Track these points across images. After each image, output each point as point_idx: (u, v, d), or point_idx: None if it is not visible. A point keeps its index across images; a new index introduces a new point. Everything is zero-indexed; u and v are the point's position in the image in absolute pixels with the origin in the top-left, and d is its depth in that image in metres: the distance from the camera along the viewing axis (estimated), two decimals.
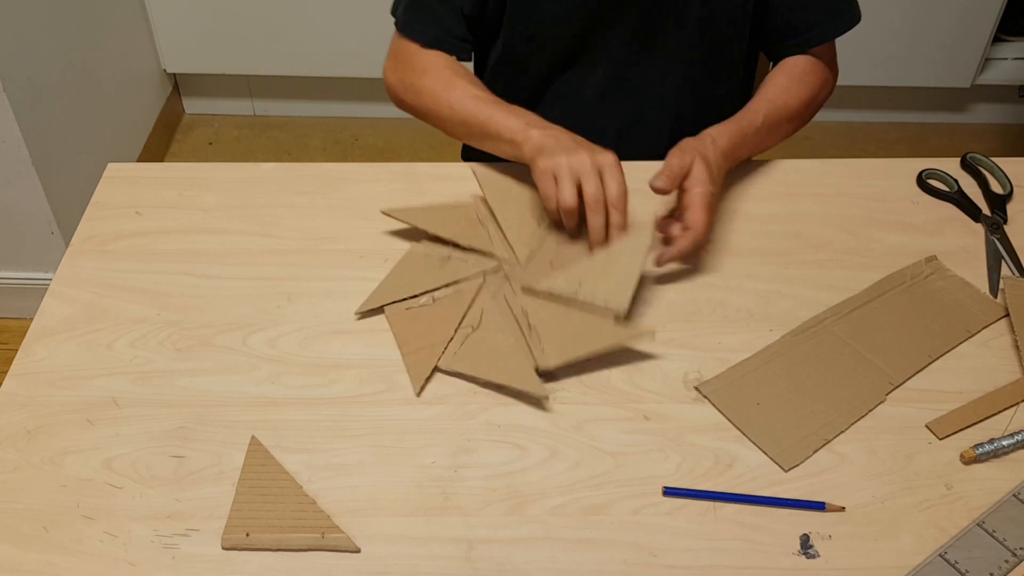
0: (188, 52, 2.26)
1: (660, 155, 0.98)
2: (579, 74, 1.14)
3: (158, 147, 2.30)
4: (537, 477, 0.78)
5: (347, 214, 1.03)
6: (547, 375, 0.85)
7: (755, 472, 0.78)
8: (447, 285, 0.92)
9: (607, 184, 0.90)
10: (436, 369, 0.85)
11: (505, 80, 1.18)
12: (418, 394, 0.83)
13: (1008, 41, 2.25)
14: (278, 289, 0.94)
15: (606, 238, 0.91)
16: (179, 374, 0.86)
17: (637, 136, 1.17)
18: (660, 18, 1.08)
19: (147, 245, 0.99)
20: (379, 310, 0.91)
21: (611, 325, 0.87)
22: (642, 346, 0.88)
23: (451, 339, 0.87)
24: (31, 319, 0.91)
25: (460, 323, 0.88)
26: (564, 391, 0.84)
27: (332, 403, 0.84)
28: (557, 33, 1.10)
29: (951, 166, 1.08)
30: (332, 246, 0.99)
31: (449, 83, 1.05)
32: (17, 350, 0.88)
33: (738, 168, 1.07)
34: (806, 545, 0.73)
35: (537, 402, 0.83)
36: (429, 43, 1.08)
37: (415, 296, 0.91)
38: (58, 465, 0.79)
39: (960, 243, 0.99)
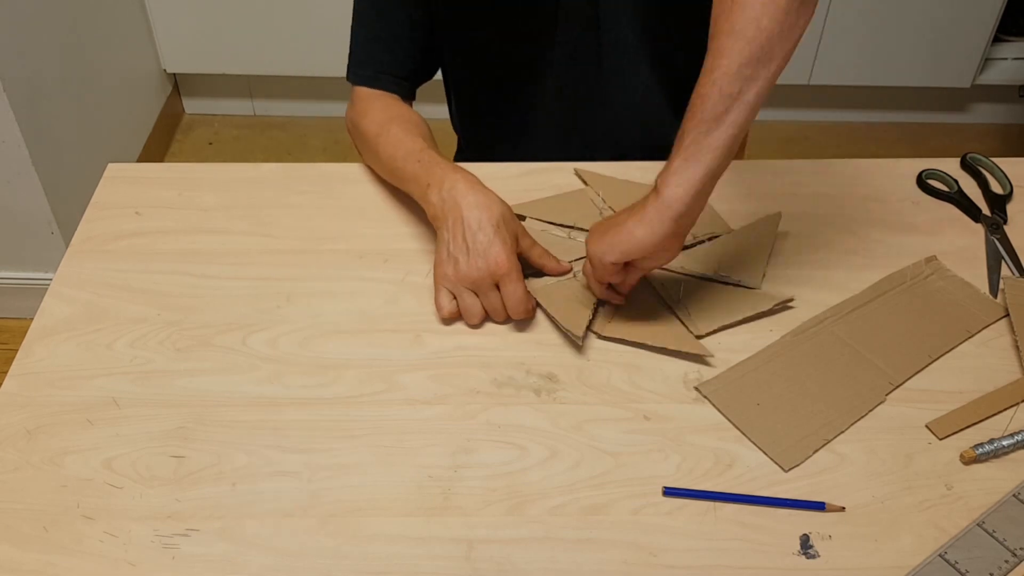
0: (188, 52, 2.26)
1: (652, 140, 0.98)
2: (531, 89, 1.12)
3: (158, 147, 2.30)
4: (537, 477, 0.78)
5: (347, 214, 1.03)
6: (550, 376, 0.85)
7: (755, 472, 0.78)
8: (582, 257, 0.92)
9: (507, 299, 0.86)
10: (591, 331, 0.89)
11: (468, 95, 1.17)
12: (581, 344, 0.87)
13: (1008, 41, 2.25)
14: (278, 289, 0.94)
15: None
16: (179, 374, 0.86)
17: (620, 140, 1.16)
18: (602, 20, 1.04)
19: (147, 245, 0.99)
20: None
21: (751, 293, 0.91)
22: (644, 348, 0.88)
23: (597, 304, 0.90)
24: (31, 319, 0.91)
25: (573, 261, 0.93)
26: (564, 391, 0.84)
27: (332, 403, 0.84)
28: (500, 50, 1.09)
29: (951, 166, 1.08)
30: (332, 246, 0.99)
31: (381, 127, 1.02)
32: (17, 350, 0.88)
33: (738, 168, 1.07)
34: (806, 545, 0.73)
35: (536, 402, 0.83)
36: (367, 83, 1.08)
37: (559, 224, 0.98)
38: (58, 465, 0.79)
39: (960, 243, 0.99)
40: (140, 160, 2.18)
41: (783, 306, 0.90)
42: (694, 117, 0.77)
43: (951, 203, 1.04)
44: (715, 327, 0.89)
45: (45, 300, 0.93)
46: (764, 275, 0.94)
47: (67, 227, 1.79)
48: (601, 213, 1.01)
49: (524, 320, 0.90)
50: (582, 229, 0.99)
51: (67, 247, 0.99)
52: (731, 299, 0.91)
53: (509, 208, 0.90)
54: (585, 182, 1.06)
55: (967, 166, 1.08)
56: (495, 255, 0.86)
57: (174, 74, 2.38)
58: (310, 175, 1.08)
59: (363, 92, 1.08)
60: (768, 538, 0.74)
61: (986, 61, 2.23)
